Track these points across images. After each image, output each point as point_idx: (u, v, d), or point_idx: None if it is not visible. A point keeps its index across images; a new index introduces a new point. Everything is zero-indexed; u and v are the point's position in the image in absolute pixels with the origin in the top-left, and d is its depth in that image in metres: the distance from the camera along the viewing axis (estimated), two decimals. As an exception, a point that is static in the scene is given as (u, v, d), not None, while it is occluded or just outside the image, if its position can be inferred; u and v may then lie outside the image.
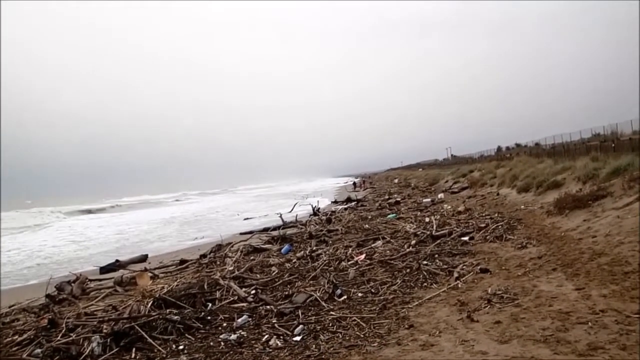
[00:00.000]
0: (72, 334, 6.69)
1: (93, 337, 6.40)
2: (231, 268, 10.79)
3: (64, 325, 7.02)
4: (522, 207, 16.71)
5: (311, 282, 9.14)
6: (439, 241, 11.92)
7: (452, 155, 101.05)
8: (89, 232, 30.58)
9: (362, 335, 6.03)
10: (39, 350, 6.16)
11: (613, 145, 23.79)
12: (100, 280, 11.84)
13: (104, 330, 6.65)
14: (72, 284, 10.58)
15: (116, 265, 13.77)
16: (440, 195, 27.58)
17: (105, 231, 30.02)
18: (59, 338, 6.55)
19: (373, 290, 8.20)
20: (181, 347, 6.29)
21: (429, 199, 25.56)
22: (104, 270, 13.51)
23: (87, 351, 6.10)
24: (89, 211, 60.51)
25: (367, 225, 16.85)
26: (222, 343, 6.28)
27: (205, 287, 8.94)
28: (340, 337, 6.08)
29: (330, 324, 6.59)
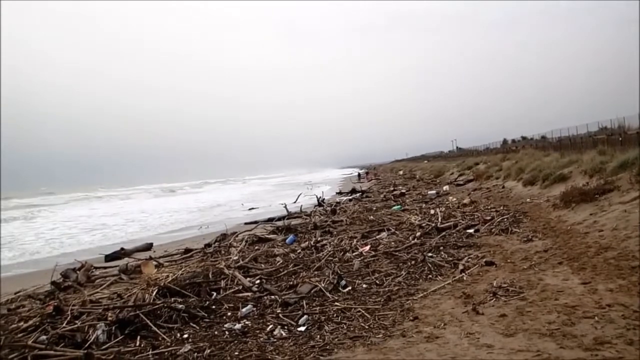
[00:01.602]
0: (77, 321, 6.71)
1: (98, 325, 6.42)
2: (236, 257, 10.79)
3: (69, 312, 7.04)
4: (528, 200, 16.65)
5: (316, 272, 9.13)
6: (444, 233, 11.89)
7: (457, 147, 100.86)
8: (105, 219, 30.72)
9: (366, 327, 6.02)
10: (44, 337, 6.17)
11: (620, 139, 23.61)
12: (105, 268, 11.87)
13: (109, 318, 6.66)
14: (78, 272, 10.61)
15: (121, 253, 13.81)
16: (446, 188, 27.50)
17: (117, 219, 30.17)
18: (64, 325, 6.57)
19: (378, 282, 8.19)
20: (185, 335, 6.30)
21: (434, 191, 25.49)
22: (109, 258, 13.55)
23: (92, 338, 6.12)
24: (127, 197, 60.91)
25: (371, 217, 16.80)
26: (227, 332, 6.28)
27: (210, 276, 8.94)
28: (345, 328, 6.07)
29: (335, 315, 6.58)
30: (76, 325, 6.51)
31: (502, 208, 15.29)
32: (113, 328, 6.40)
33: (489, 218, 13.19)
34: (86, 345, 5.96)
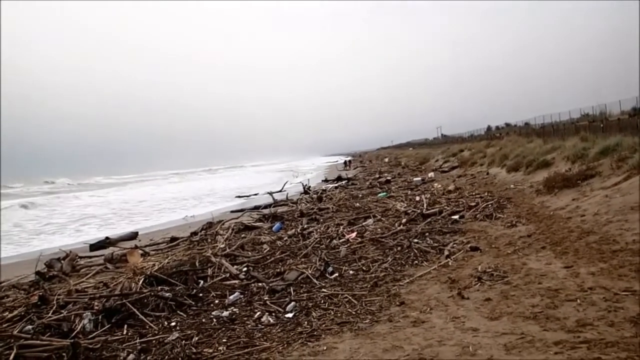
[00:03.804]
0: (63, 311, 6.67)
1: (84, 314, 6.40)
2: (222, 245, 10.79)
3: (54, 302, 7.00)
4: (512, 186, 16.81)
5: (303, 259, 9.16)
6: (429, 220, 11.98)
7: (442, 134, 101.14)
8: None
9: (353, 312, 6.07)
10: (29, 327, 6.13)
11: (602, 125, 23.95)
12: (90, 257, 11.79)
13: (95, 307, 6.65)
14: (62, 261, 10.53)
15: (106, 243, 13.72)
16: (431, 174, 27.64)
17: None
18: (49, 315, 6.53)
19: (364, 268, 8.25)
20: (173, 323, 6.31)
21: (419, 178, 25.60)
22: (94, 247, 13.45)
23: (79, 328, 6.10)
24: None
25: (358, 204, 16.86)
26: (214, 320, 6.30)
27: (197, 264, 8.93)
28: (332, 314, 6.12)
29: (322, 301, 6.62)
30: (62, 315, 6.48)
31: (486, 194, 15.41)
32: (99, 317, 6.39)
33: (473, 204, 13.31)
34: (73, 334, 5.93)
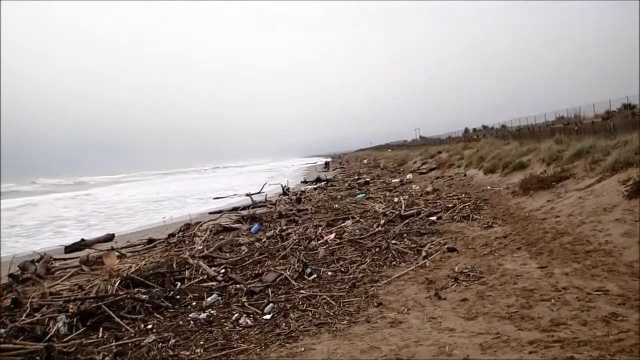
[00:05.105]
0: (37, 314, 6.58)
1: (59, 317, 6.30)
2: (200, 247, 10.72)
3: (28, 305, 6.89)
4: (489, 187, 17.02)
5: (281, 261, 9.15)
6: (407, 221, 12.05)
7: (420, 136, 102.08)
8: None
9: (331, 314, 6.09)
10: (2, 330, 6.02)
11: (576, 128, 24.40)
12: (65, 259, 11.60)
13: (70, 310, 6.54)
14: (36, 263, 10.34)
15: (82, 245, 13.50)
16: (409, 176, 27.80)
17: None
18: (23, 318, 6.44)
19: (342, 269, 8.26)
20: (150, 326, 6.25)
21: (397, 180, 25.73)
22: (69, 249, 13.22)
23: (53, 331, 6.01)
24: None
25: (336, 205, 16.88)
26: (192, 322, 6.26)
27: (174, 266, 8.86)
28: (310, 315, 6.13)
29: (300, 303, 6.62)
30: (36, 318, 6.39)
31: (463, 196, 15.57)
32: (74, 320, 6.31)
33: (451, 205, 13.44)
34: (47, 337, 5.85)
